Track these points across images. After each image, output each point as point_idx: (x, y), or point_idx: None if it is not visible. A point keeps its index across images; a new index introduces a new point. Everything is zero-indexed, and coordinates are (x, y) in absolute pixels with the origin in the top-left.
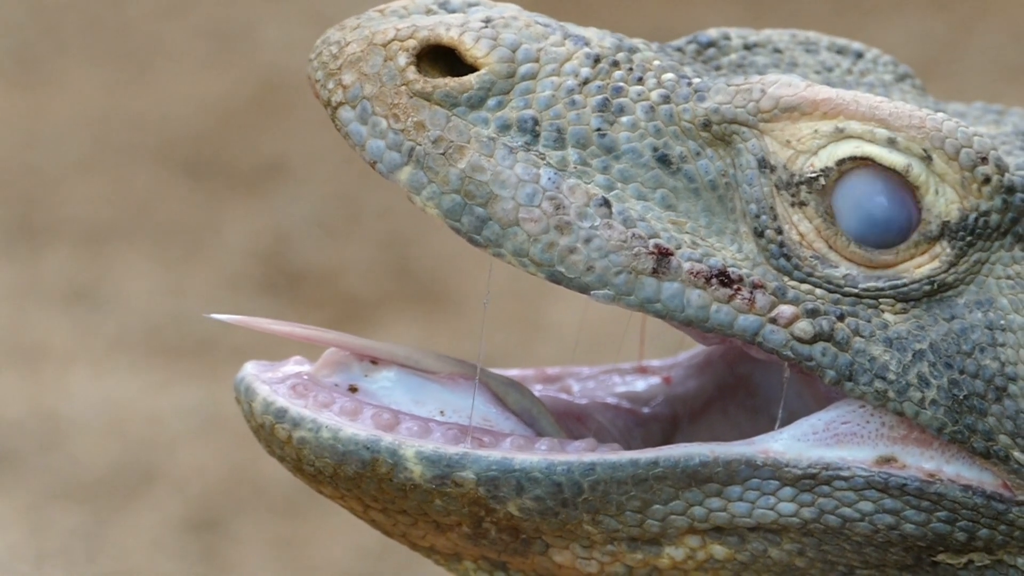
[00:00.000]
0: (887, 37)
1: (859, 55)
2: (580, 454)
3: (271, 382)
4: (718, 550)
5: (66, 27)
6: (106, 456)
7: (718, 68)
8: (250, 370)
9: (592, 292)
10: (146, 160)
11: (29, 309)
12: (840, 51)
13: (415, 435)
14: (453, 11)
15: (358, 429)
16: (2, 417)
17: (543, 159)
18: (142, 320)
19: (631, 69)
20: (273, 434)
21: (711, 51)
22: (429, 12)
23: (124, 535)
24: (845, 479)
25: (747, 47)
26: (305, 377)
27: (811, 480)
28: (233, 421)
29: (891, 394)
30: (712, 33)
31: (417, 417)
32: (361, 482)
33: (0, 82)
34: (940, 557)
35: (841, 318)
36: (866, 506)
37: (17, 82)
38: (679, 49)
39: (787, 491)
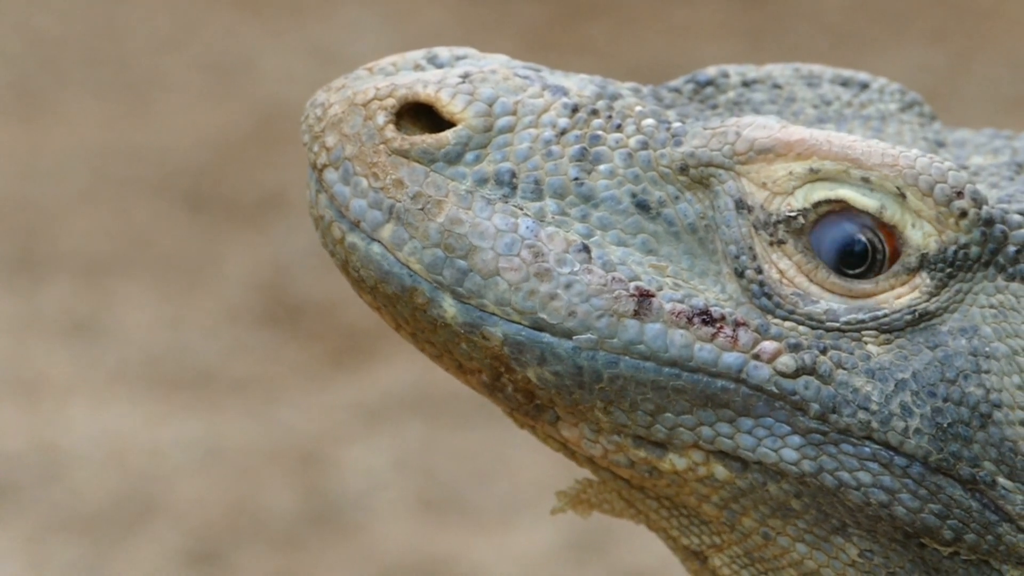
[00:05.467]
0: (886, 69)
1: (864, 86)
2: None
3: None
4: (720, 471)
5: (65, 60)
6: (106, 488)
7: (715, 107)
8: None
9: (575, 337)
10: (146, 192)
11: (29, 341)
12: (844, 83)
13: None
14: (441, 66)
15: None
16: (1, 449)
17: (521, 210)
18: (142, 352)
19: (610, 117)
20: (329, 230)
21: (709, 90)
22: (417, 68)
23: (124, 567)
24: (853, 444)
25: (745, 84)
26: None
27: (821, 436)
28: (233, 453)
29: (875, 424)
30: (711, 71)
31: None
32: (397, 303)
33: (0, 115)
34: (926, 541)
35: (824, 351)
36: (864, 477)
37: (16, 115)
38: (676, 89)
39: (795, 439)
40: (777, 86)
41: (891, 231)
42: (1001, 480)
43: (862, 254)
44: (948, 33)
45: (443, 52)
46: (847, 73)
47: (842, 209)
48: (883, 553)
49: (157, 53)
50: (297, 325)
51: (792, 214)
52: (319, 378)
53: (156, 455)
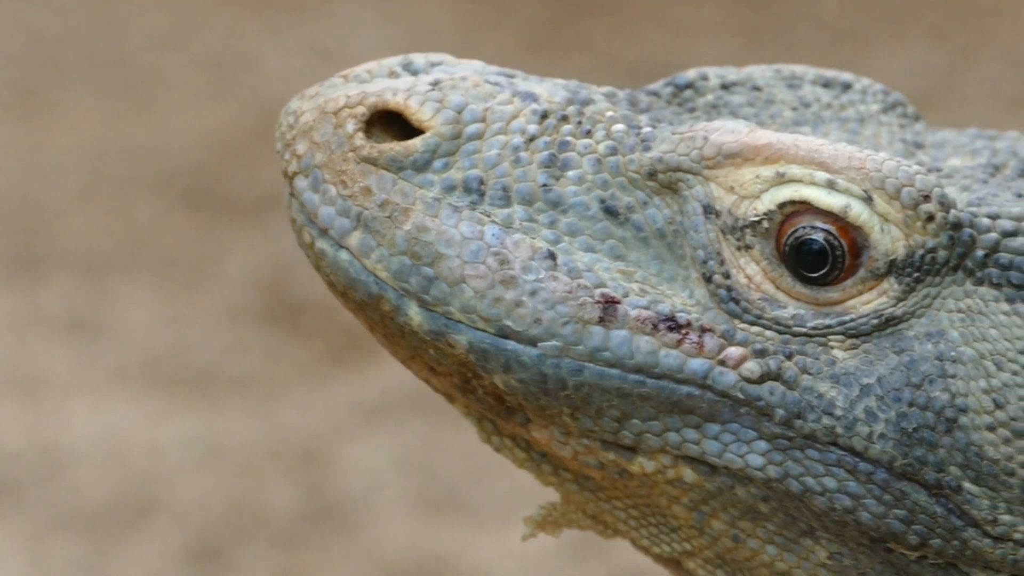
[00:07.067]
0: (886, 68)
1: (847, 86)
2: None
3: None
4: (688, 473)
5: (66, 59)
6: (106, 487)
7: (692, 110)
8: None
9: (540, 344)
10: (146, 191)
11: (29, 340)
12: (826, 84)
13: None
14: (416, 72)
15: None
16: (2, 448)
17: (489, 217)
18: (142, 351)
19: (580, 122)
20: (300, 235)
21: (687, 92)
22: (392, 75)
23: (125, 566)
24: (818, 450)
25: (724, 87)
26: None
27: (787, 441)
28: (234, 451)
29: (839, 430)
30: (690, 74)
31: None
32: (366, 309)
33: (0, 114)
34: (892, 545)
35: (790, 357)
36: (830, 482)
37: (17, 113)
38: (654, 93)
39: (761, 444)
40: (757, 88)
41: (854, 232)
42: (967, 485)
43: (820, 253)
44: (948, 32)
45: (418, 59)
46: (830, 74)
47: (806, 210)
48: (852, 556)
49: (157, 52)
50: (298, 323)
51: (757, 218)
52: (320, 376)
53: (157, 453)
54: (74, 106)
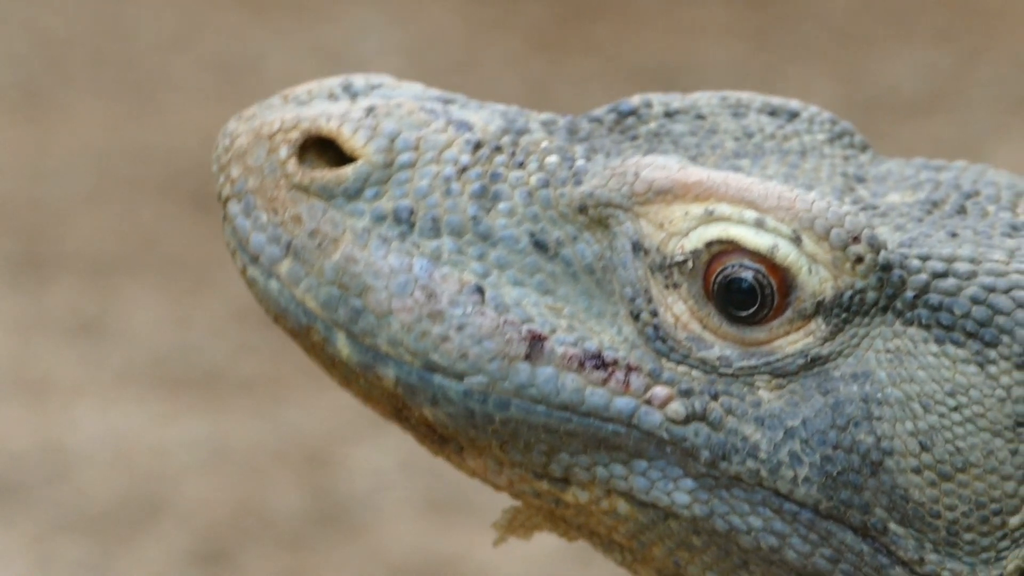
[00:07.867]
0: (892, 69)
1: (793, 115)
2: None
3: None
4: (622, 505)
5: (72, 60)
6: (112, 488)
7: (635, 138)
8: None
9: (467, 379)
10: (152, 192)
11: (35, 341)
12: (773, 112)
13: None
14: (356, 94)
15: None
16: (8, 449)
17: (418, 249)
18: (148, 352)
19: (514, 153)
20: (234, 260)
21: (630, 120)
22: (332, 96)
23: (130, 567)
24: (744, 490)
25: (668, 114)
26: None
27: (712, 480)
28: (240, 453)
29: (763, 473)
30: (634, 101)
31: None
32: (297, 338)
33: (6, 115)
34: None
35: (715, 397)
36: (755, 521)
37: (23, 115)
38: (597, 119)
39: (688, 483)
40: (701, 117)
41: (783, 272)
42: (892, 526)
43: (749, 291)
44: (954, 33)
45: (359, 80)
46: (777, 102)
47: (734, 249)
48: None
49: (163, 53)
50: None
51: (684, 257)
52: (326, 378)
53: (162, 455)
54: (80, 108)
